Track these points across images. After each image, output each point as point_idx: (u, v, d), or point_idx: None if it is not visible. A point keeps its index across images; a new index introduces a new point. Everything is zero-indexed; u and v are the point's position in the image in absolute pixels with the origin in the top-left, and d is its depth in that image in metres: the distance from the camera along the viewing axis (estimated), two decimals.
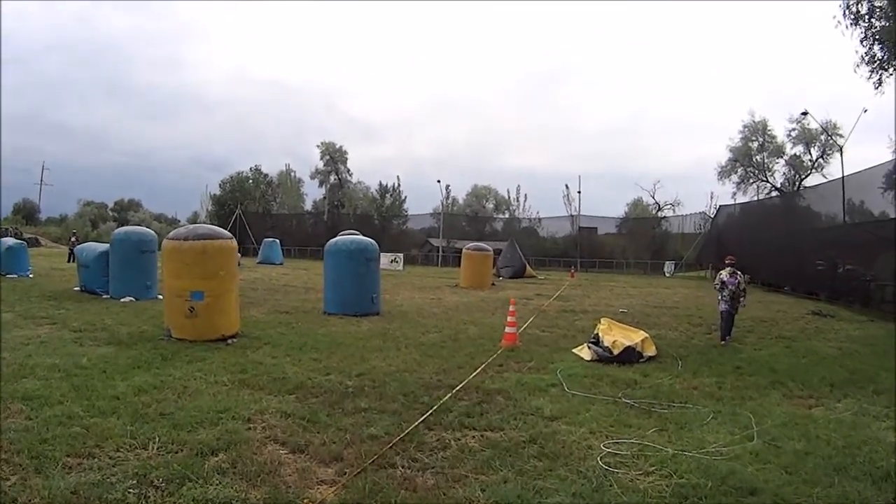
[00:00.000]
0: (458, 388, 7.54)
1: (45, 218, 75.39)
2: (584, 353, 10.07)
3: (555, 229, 58.91)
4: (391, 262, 39.04)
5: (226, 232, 11.22)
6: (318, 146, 70.43)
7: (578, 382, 8.18)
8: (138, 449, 5.23)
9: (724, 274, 12.22)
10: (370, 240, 15.31)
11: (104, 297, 16.06)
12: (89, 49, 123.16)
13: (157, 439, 5.43)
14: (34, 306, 14.04)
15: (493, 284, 26.69)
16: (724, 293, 11.98)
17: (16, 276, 21.56)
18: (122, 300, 15.21)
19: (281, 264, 39.29)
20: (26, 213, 75.69)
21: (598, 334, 10.31)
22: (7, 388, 6.97)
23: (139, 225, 59.36)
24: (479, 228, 61.44)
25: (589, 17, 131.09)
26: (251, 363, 8.64)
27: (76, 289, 17.59)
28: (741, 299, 12.02)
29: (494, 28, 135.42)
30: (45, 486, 4.34)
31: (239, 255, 36.16)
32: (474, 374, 8.37)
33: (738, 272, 12.10)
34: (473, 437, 5.84)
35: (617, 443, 5.75)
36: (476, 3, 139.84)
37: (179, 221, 71.44)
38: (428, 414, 6.35)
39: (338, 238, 15.29)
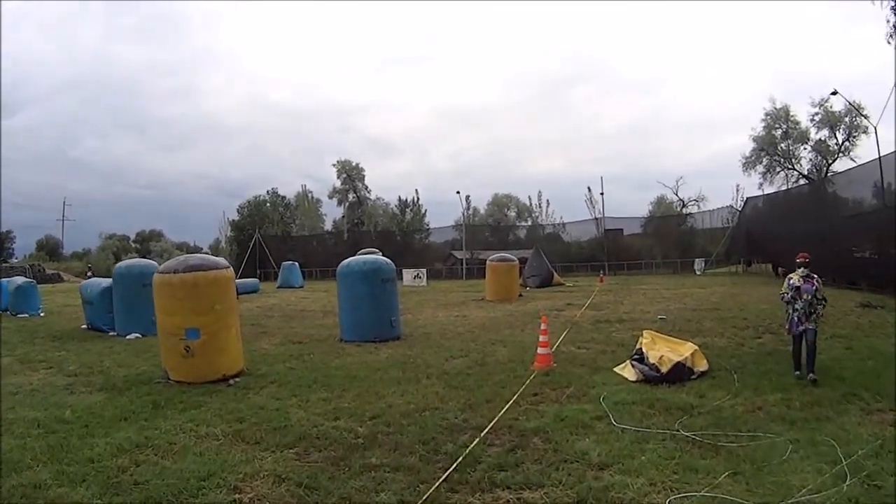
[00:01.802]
0: (486, 429, 6.41)
1: (71, 253, 75.88)
2: (628, 372, 8.92)
3: (579, 233, 57.57)
4: (414, 277, 38.33)
5: (221, 261, 10.27)
6: (333, 165, 70.37)
7: (627, 412, 7.03)
8: None
9: (794, 278, 8.96)
10: (385, 259, 14.24)
11: (110, 334, 15.31)
12: (104, 85, 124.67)
13: None
14: (35, 349, 13.35)
15: (520, 295, 25.47)
16: (798, 304, 8.78)
17: (27, 315, 21.15)
18: (127, 337, 14.38)
19: (301, 287, 38.34)
20: (49, 249, 77.66)
21: (641, 349, 9.15)
22: None
23: (161, 255, 59.80)
24: (503, 238, 60.39)
25: (599, 19, 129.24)
26: (251, 408, 7.66)
27: (83, 326, 16.88)
28: (819, 310, 8.82)
29: (505, 35, 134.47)
30: None
31: (256, 280, 35.88)
32: (505, 408, 7.24)
33: (815, 275, 8.94)
34: (507, 500, 4.73)
35: (685, 496, 4.62)
36: (484, 10, 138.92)
37: (202, 249, 71.36)
38: (451, 470, 5.24)
39: (350, 259, 14.22)
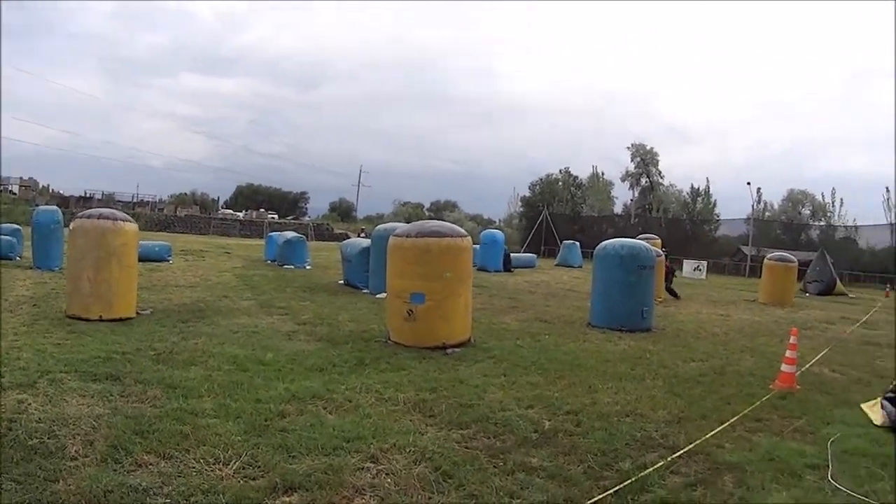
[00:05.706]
0: (679, 453, 5.29)
1: (364, 217, 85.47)
2: (875, 413, 6.89)
3: (875, 240, 50.30)
4: (694, 269, 37.98)
5: (459, 229, 10.29)
6: (628, 148, 73.13)
7: (852, 466, 5.25)
8: (219, 465, 4.54)
9: None
10: (645, 244, 13.31)
11: (363, 291, 16.58)
12: (399, 64, 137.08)
13: (244, 457, 4.67)
14: (281, 297, 14.76)
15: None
16: None
17: (292, 266, 23.86)
18: (377, 296, 15.21)
19: (579, 267, 37.89)
20: (342, 211, 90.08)
21: None
22: (167, 373, 6.95)
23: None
24: (795, 237, 55.44)
25: None
26: (450, 381, 7.46)
27: (340, 282, 18.56)
28: None
29: (815, 25, 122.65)
30: (92, 477, 4.13)
31: (534, 256, 37.08)
32: (713, 432, 5.96)
33: None
34: None
35: None
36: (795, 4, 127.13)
37: (495, 222, 75.36)
38: (607, 493, 4.36)
39: (608, 241, 13.49)
